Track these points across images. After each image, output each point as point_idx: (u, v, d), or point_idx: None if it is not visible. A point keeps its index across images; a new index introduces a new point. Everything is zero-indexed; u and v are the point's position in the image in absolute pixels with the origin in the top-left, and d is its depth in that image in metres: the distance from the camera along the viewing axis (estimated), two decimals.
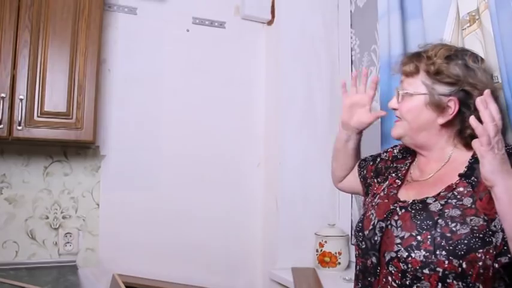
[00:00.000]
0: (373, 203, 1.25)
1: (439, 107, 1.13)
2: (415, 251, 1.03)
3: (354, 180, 1.49)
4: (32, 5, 1.79)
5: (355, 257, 1.25)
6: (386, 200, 1.20)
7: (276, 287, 2.20)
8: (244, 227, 2.33)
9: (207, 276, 2.28)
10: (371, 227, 1.17)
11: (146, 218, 2.20)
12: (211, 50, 2.39)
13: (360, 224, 1.23)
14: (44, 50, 1.81)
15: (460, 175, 1.09)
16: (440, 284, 1.00)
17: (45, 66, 1.80)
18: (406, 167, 1.29)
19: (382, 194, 1.25)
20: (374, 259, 1.13)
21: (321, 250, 2.13)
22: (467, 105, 1.12)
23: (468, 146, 1.11)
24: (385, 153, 1.43)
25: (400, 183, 1.24)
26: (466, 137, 1.14)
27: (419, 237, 1.04)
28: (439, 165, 1.18)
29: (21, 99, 1.75)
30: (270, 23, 2.48)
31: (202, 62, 2.37)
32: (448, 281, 0.99)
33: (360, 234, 1.20)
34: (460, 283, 0.99)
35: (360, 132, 1.44)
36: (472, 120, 0.95)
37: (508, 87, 1.18)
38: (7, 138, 1.75)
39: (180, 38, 2.34)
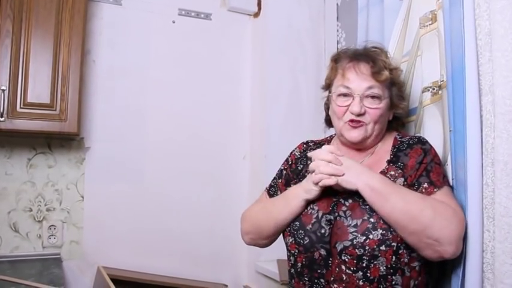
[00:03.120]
0: None
1: (394, 107, 1.31)
2: (373, 232, 1.12)
3: None
4: None
5: (293, 255, 1.25)
6: (324, 193, 1.22)
7: (261, 278, 2.21)
8: (230, 219, 2.33)
9: (192, 268, 2.28)
10: (314, 220, 1.21)
11: (131, 211, 2.19)
12: (197, 41, 2.38)
13: (297, 222, 1.24)
14: (27, 40, 1.78)
15: (388, 161, 1.23)
16: (394, 257, 1.11)
17: (28, 57, 1.77)
18: None
19: None
20: (323, 251, 1.17)
21: None
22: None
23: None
24: (287, 163, 1.45)
25: None
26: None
27: (372, 220, 1.13)
28: (365, 155, 1.31)
29: (3, 90, 1.72)
30: (256, 15, 2.47)
31: (188, 53, 2.35)
32: (400, 251, 1.12)
33: (301, 231, 1.22)
34: (407, 251, 1.12)
35: None
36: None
37: (451, 84, 1.22)
38: None
39: (165, 30, 2.32)
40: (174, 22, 2.34)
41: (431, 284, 1.21)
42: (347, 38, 2.29)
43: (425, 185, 1.16)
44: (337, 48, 2.35)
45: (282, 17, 2.37)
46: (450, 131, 1.22)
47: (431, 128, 1.33)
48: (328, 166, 1.17)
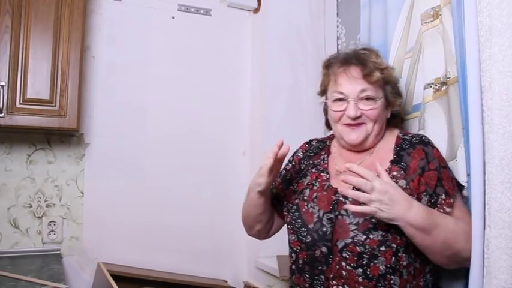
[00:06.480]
0: (305, 197, 1.28)
1: (390, 105, 1.31)
2: (373, 233, 1.13)
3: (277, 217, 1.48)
4: None
5: (295, 252, 1.27)
6: (325, 192, 1.25)
7: (261, 274, 2.22)
8: (230, 215, 2.33)
9: (192, 264, 2.28)
10: (315, 219, 1.22)
11: (131, 206, 2.19)
12: (197, 37, 2.38)
13: (299, 221, 1.26)
14: (26, 36, 1.77)
15: (391, 161, 1.22)
16: (393, 258, 1.13)
17: (27, 53, 1.77)
18: (325, 161, 1.37)
19: (314, 188, 1.28)
20: (324, 249, 1.19)
21: None
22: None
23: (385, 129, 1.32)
24: (290, 164, 1.46)
25: (328, 176, 1.31)
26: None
27: (373, 220, 1.13)
28: (366, 154, 1.30)
29: (2, 86, 1.72)
30: (256, 11, 2.47)
31: (187, 49, 2.35)
32: (399, 254, 1.13)
33: (303, 229, 1.24)
34: (406, 255, 1.14)
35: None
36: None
37: (461, 81, 1.22)
38: None
39: (165, 25, 2.31)
40: (173, 18, 2.33)
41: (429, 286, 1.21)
42: (347, 33, 2.28)
43: (443, 196, 1.17)
44: (337, 44, 2.35)
45: (282, 12, 2.36)
46: (463, 128, 1.23)
47: (434, 125, 1.33)
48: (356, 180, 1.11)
